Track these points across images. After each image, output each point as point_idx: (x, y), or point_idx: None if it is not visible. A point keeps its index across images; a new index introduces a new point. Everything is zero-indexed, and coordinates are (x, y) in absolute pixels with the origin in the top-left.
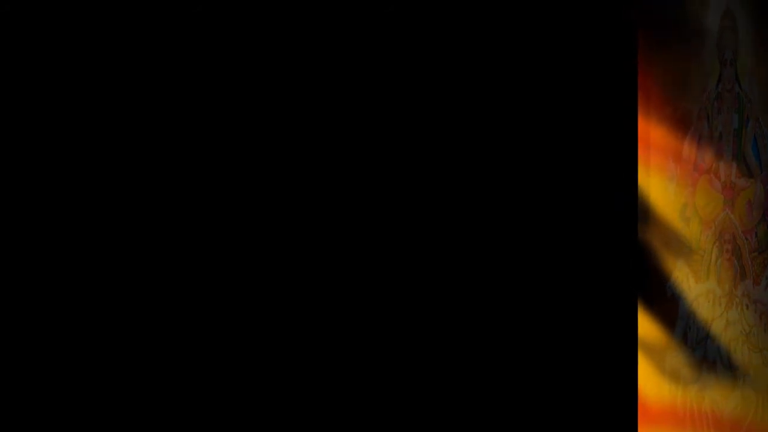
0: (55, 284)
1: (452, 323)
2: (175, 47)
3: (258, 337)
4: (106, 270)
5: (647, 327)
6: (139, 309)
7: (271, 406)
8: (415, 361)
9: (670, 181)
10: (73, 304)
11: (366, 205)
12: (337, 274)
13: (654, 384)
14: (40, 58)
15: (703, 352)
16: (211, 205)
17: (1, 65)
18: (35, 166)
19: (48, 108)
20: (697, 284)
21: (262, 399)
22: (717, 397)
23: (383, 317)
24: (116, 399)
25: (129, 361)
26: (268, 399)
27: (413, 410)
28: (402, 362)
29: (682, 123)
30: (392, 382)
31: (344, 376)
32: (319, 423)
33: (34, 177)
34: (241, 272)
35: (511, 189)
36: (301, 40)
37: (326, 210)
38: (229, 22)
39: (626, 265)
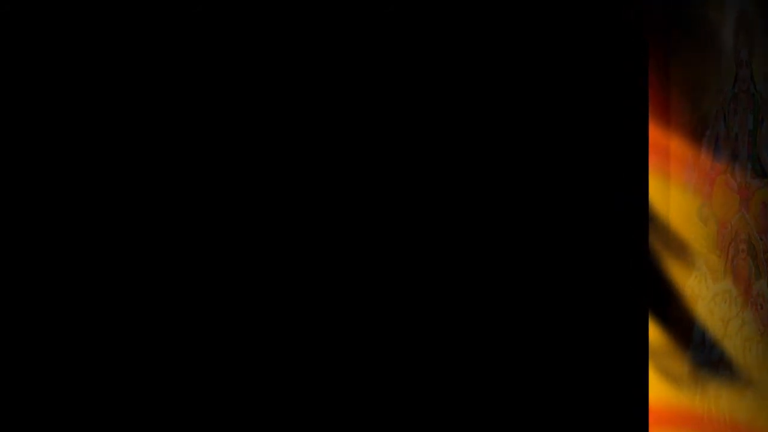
0: (55, 284)
1: (460, 329)
2: (175, 47)
3: (258, 337)
4: (106, 270)
5: (662, 330)
6: (138, 309)
7: (271, 406)
8: (428, 366)
9: (688, 182)
10: (73, 304)
11: (384, 209)
12: (352, 275)
13: (666, 387)
14: (40, 58)
15: (720, 352)
16: (210, 205)
17: (1, 65)
18: (35, 166)
19: (48, 108)
20: (715, 284)
21: (262, 399)
22: (733, 398)
23: (389, 325)
24: (116, 399)
25: (129, 361)
26: (268, 399)
27: (426, 413)
28: (412, 367)
29: (700, 125)
30: (398, 387)
31: (359, 377)
32: (319, 423)
33: (34, 177)
34: (241, 272)
35: (525, 199)
36: (301, 40)
37: (327, 210)
38: (229, 22)
39: (637, 269)
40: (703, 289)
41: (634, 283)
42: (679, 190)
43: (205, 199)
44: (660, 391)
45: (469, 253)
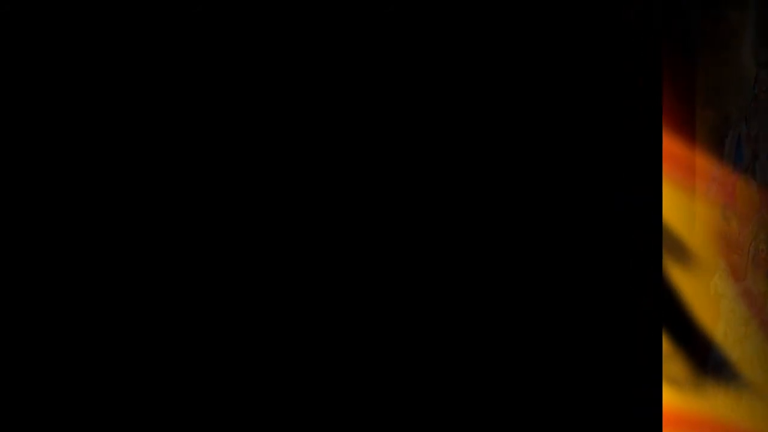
0: (55, 284)
1: (473, 334)
2: (175, 47)
3: (258, 337)
4: (105, 269)
5: (680, 332)
6: (138, 308)
7: (271, 406)
8: (437, 379)
9: (712, 182)
10: (72, 303)
11: (389, 215)
12: (352, 274)
13: (680, 392)
14: (40, 58)
15: (740, 352)
16: (210, 206)
17: (1, 65)
18: (35, 166)
19: (48, 108)
20: (737, 283)
21: (262, 399)
22: (754, 402)
23: (392, 328)
24: (116, 399)
25: (128, 361)
26: (268, 399)
27: (434, 415)
28: (424, 375)
29: (723, 126)
30: (404, 390)
31: (359, 376)
32: (319, 423)
33: (34, 177)
34: (241, 271)
35: (533, 205)
36: (301, 40)
37: (327, 209)
38: (229, 22)
39: (649, 273)
40: (726, 288)
41: (646, 288)
42: (703, 190)
43: (205, 198)
44: (674, 396)
45: (479, 261)
